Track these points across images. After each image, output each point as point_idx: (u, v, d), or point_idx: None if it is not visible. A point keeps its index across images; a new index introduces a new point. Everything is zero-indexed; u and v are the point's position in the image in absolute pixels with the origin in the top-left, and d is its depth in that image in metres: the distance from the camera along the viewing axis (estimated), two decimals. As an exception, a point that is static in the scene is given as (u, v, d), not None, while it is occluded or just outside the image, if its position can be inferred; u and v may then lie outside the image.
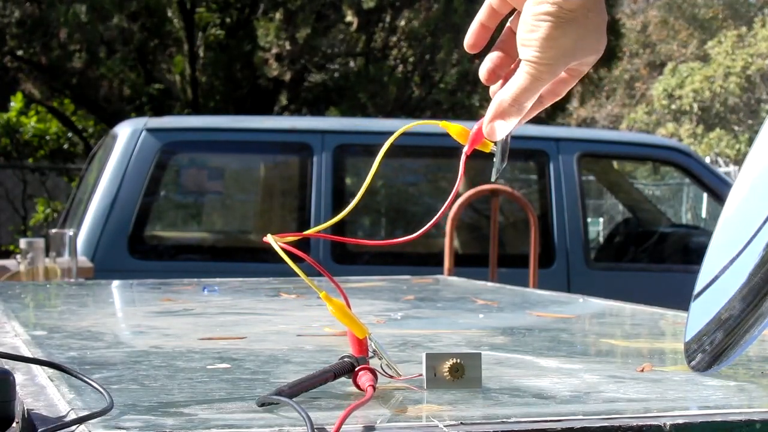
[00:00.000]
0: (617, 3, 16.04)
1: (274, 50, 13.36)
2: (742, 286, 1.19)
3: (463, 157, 1.15)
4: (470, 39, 1.18)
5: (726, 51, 25.68)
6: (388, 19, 13.48)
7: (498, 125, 1.13)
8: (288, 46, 13.23)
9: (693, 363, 1.25)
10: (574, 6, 1.07)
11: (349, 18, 13.39)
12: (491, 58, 1.16)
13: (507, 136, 1.15)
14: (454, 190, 1.17)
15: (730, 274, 1.23)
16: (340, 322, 1.14)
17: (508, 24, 1.17)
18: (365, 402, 1.01)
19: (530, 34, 1.09)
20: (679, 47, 28.99)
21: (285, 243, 1.11)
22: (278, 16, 13.27)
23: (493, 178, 1.19)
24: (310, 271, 1.13)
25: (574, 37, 1.09)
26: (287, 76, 13.55)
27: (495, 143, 1.16)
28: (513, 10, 1.15)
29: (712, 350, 1.22)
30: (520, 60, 1.12)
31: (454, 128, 1.17)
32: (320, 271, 1.12)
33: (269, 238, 1.11)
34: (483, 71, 1.16)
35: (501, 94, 1.13)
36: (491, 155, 1.16)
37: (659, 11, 29.63)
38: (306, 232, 1.20)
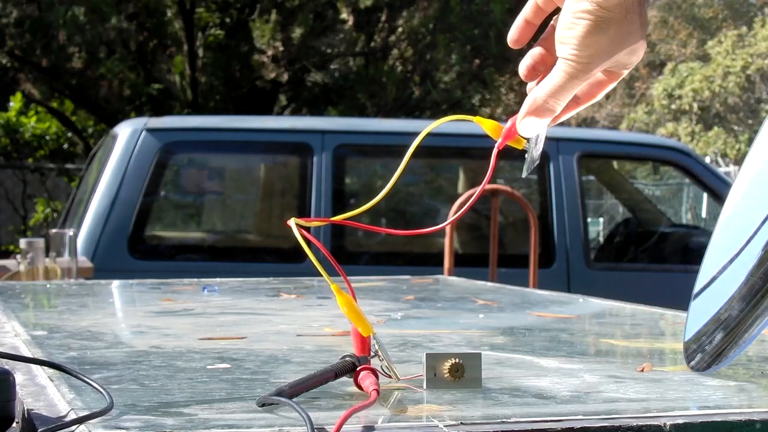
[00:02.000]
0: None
1: (270, 51, 13.37)
2: (741, 285, 1.19)
3: (494, 152, 1.15)
4: (514, 34, 1.18)
5: (726, 51, 25.67)
6: (384, 18, 13.48)
7: (531, 122, 1.13)
8: (283, 48, 13.23)
9: (692, 363, 1.25)
10: (612, 5, 1.07)
11: (344, 15, 13.40)
12: (532, 55, 1.16)
13: (541, 133, 1.15)
14: (483, 182, 1.16)
15: (729, 274, 1.22)
16: (347, 317, 1.13)
17: (551, 22, 1.17)
18: (368, 405, 1.01)
19: (568, 31, 1.09)
20: (679, 47, 28.98)
21: (303, 229, 1.11)
22: (274, 17, 13.27)
23: (524, 174, 1.19)
24: (312, 268, 1.13)
25: (611, 37, 1.09)
26: (284, 78, 13.56)
27: (527, 140, 1.16)
28: (558, 9, 1.15)
29: (712, 350, 1.22)
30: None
31: (487, 124, 1.17)
32: (333, 263, 1.11)
33: (291, 223, 1.11)
34: (523, 67, 1.16)
35: (536, 91, 1.12)
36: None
37: (659, 11, 29.62)
38: (333, 219, 1.20)
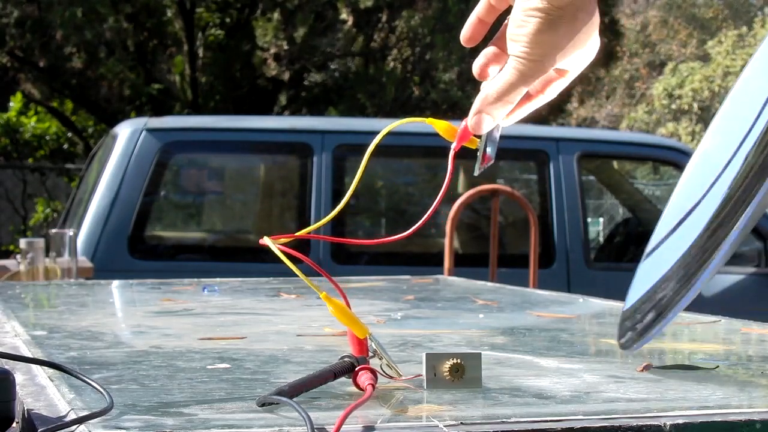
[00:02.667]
0: (617, 3, 16.01)
1: (273, 50, 13.37)
2: (676, 265, 1.18)
3: (451, 153, 1.14)
4: (466, 33, 1.18)
5: (726, 51, 25.69)
6: (384, 18, 13.48)
7: (482, 119, 1.12)
8: (286, 46, 13.23)
9: (623, 341, 1.25)
10: (563, 3, 1.07)
11: (344, 16, 13.40)
12: (486, 54, 1.16)
13: (494, 131, 1.15)
14: (444, 187, 1.15)
15: (667, 252, 1.23)
16: (341, 322, 1.13)
17: (505, 21, 1.17)
18: (364, 401, 1.01)
19: (519, 29, 1.09)
20: (679, 47, 28.99)
21: (281, 244, 1.11)
22: (276, 16, 13.28)
23: (475, 173, 1.18)
24: (311, 271, 1.13)
25: (562, 35, 1.09)
26: (286, 76, 13.56)
27: (480, 138, 1.15)
28: (511, 7, 1.15)
29: (641, 328, 1.21)
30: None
31: (440, 125, 1.16)
32: (319, 272, 1.12)
33: (266, 241, 1.11)
34: (476, 66, 1.16)
35: (487, 89, 1.12)
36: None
37: (659, 11, 29.62)
38: (297, 234, 1.19)
